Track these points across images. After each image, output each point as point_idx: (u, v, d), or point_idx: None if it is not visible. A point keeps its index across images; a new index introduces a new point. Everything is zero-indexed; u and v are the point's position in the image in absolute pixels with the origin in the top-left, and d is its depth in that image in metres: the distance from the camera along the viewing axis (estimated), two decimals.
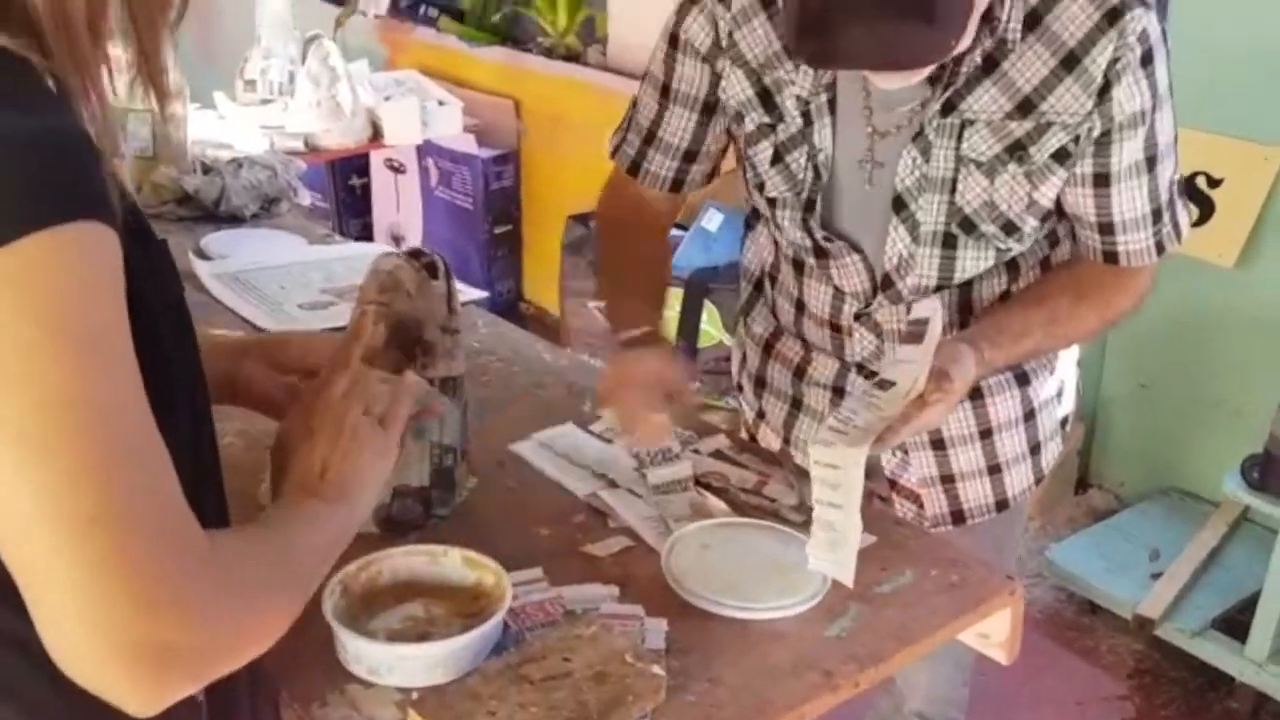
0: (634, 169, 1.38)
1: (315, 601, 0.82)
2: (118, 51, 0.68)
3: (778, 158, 1.27)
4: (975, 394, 1.33)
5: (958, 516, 1.40)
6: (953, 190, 1.21)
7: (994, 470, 1.39)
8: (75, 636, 0.59)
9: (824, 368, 1.39)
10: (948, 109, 1.18)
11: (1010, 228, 1.23)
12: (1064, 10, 1.15)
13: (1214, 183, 2.42)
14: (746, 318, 1.51)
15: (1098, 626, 2.46)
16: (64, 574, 0.58)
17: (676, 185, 1.38)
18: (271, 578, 0.70)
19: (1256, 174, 2.38)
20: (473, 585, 1.02)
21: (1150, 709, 2.27)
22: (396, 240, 3.87)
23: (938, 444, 1.36)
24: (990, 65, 1.17)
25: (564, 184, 3.48)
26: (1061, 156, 1.19)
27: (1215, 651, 2.25)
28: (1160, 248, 1.26)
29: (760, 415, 1.49)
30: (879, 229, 1.26)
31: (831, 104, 1.23)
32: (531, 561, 1.10)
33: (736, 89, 1.28)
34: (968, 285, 1.29)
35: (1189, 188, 2.38)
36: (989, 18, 1.13)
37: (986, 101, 1.18)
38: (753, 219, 1.45)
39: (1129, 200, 1.22)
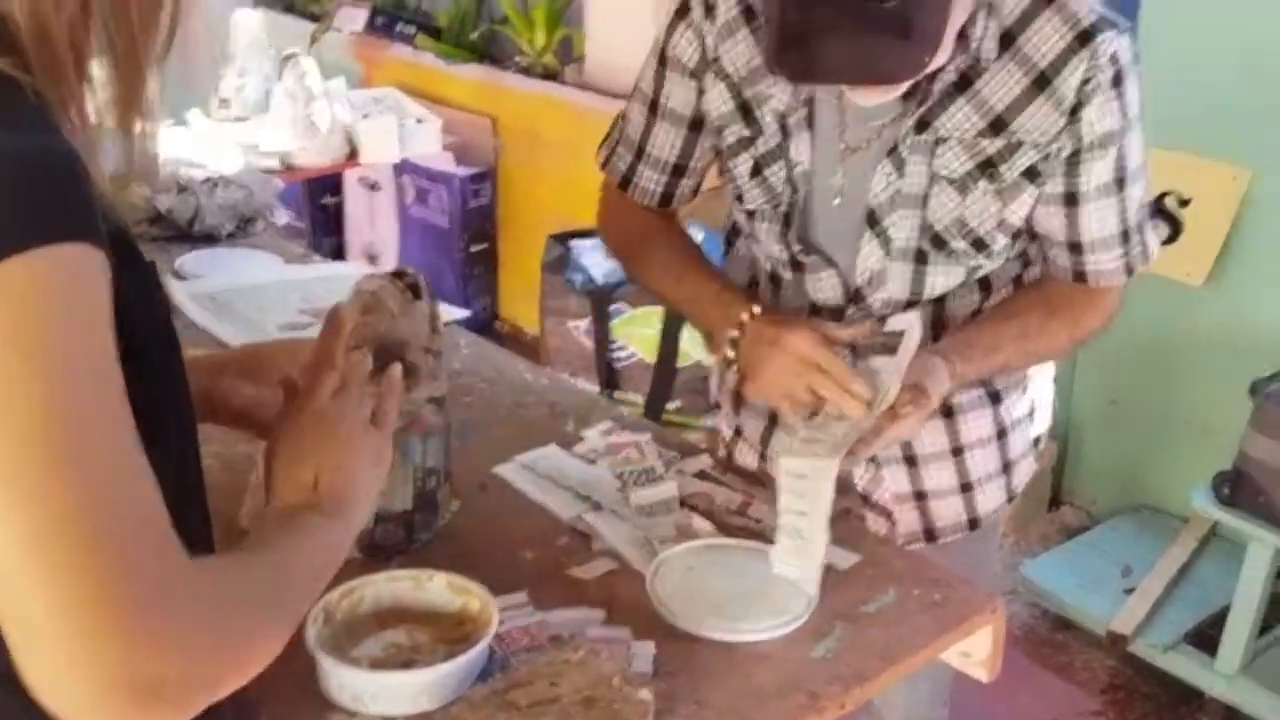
0: (624, 183, 1.39)
1: (298, 629, 0.82)
2: (100, 70, 0.68)
3: (757, 170, 1.29)
4: (947, 411, 1.34)
5: (930, 534, 1.41)
6: (924, 206, 1.23)
7: (965, 488, 1.40)
8: (62, 675, 0.58)
9: None
10: (922, 126, 1.20)
11: (980, 244, 1.25)
12: (1037, 31, 1.17)
13: (1183, 202, 2.45)
14: None
15: (1071, 643, 2.48)
16: (47, 611, 0.57)
17: (665, 199, 1.39)
18: (263, 602, 0.69)
19: (1225, 194, 2.42)
20: (457, 611, 1.02)
21: None
22: (371, 259, 3.85)
23: (910, 460, 1.37)
24: (964, 84, 1.19)
25: (541, 202, 3.48)
26: (1032, 175, 1.21)
27: (1187, 666, 2.27)
28: (1129, 269, 1.28)
29: (738, 432, 1.49)
30: (851, 243, 1.27)
31: (810, 119, 1.25)
32: (516, 585, 1.09)
33: (718, 101, 1.29)
34: (940, 302, 1.30)
35: (1157, 207, 2.42)
36: (964, 36, 1.15)
37: (960, 119, 1.20)
38: (733, 236, 1.47)
39: (1098, 220, 1.24)
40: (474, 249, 3.71)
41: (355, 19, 3.89)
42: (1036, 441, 1.47)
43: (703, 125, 1.33)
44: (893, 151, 1.21)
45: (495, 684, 0.94)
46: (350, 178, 3.81)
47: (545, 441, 1.38)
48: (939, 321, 1.31)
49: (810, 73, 1.12)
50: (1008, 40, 1.17)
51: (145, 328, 0.68)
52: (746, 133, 1.28)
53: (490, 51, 3.75)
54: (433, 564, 1.05)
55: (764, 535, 1.20)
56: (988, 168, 1.21)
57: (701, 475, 1.31)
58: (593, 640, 1.01)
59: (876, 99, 1.17)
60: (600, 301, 2.81)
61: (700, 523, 1.22)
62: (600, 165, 1.42)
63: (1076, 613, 2.46)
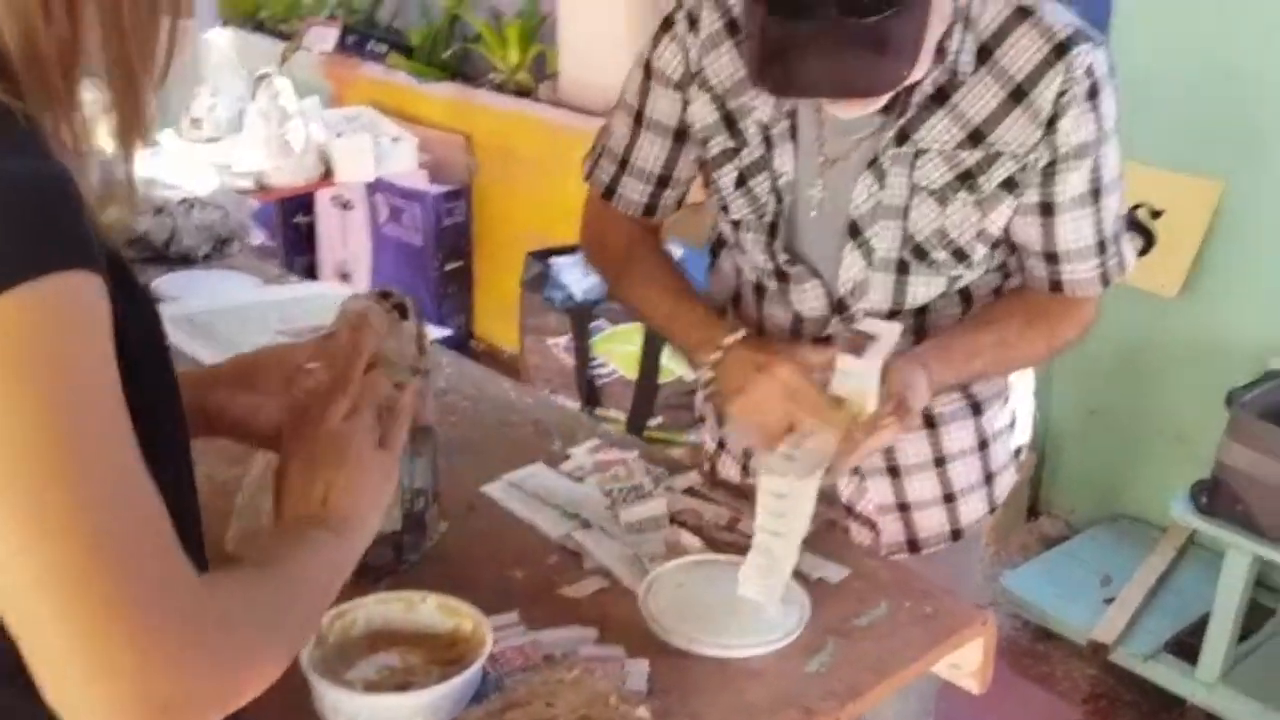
0: (608, 193, 1.40)
1: None
2: (90, 95, 0.68)
3: (741, 181, 1.30)
4: (929, 422, 1.35)
5: (913, 545, 1.42)
6: (905, 217, 1.24)
7: (949, 499, 1.41)
8: (79, 697, 0.58)
9: None
10: (902, 138, 1.21)
11: (960, 255, 1.26)
12: (1013, 44, 1.18)
13: (1155, 214, 2.49)
14: None
15: (1052, 653, 2.49)
16: (62, 636, 0.57)
17: (649, 210, 1.40)
18: (271, 619, 0.68)
19: (1197, 206, 2.45)
20: (449, 632, 1.01)
21: None
22: (343, 277, 3.83)
23: (893, 471, 1.38)
24: (942, 97, 1.20)
25: (516, 219, 3.48)
26: (1010, 185, 1.22)
27: (1167, 674, 2.29)
28: (1105, 279, 1.29)
29: (721, 445, 1.50)
30: (834, 254, 1.28)
31: (793, 130, 1.26)
32: (507, 605, 1.09)
33: (703, 113, 1.30)
34: (922, 313, 1.31)
35: (1130, 219, 2.45)
36: (941, 50, 1.17)
37: (939, 131, 1.21)
38: (716, 248, 1.47)
39: (1073, 231, 1.25)
40: (448, 267, 3.70)
41: (326, 38, 3.87)
42: (1018, 452, 1.48)
43: (687, 136, 1.34)
44: (874, 163, 1.23)
45: (491, 705, 0.94)
46: (323, 197, 3.79)
47: (532, 460, 1.37)
48: (920, 332, 1.32)
49: (791, 86, 1.14)
50: (985, 53, 1.19)
51: (141, 351, 0.68)
52: (731, 144, 1.29)
53: (463, 69, 3.75)
54: (422, 585, 1.04)
55: None
56: (967, 179, 1.22)
57: (690, 492, 1.31)
58: (586, 659, 1.01)
59: (856, 112, 1.19)
60: (580, 318, 2.81)
61: (690, 539, 1.22)
62: (584, 177, 1.42)
63: (1057, 623, 2.47)
